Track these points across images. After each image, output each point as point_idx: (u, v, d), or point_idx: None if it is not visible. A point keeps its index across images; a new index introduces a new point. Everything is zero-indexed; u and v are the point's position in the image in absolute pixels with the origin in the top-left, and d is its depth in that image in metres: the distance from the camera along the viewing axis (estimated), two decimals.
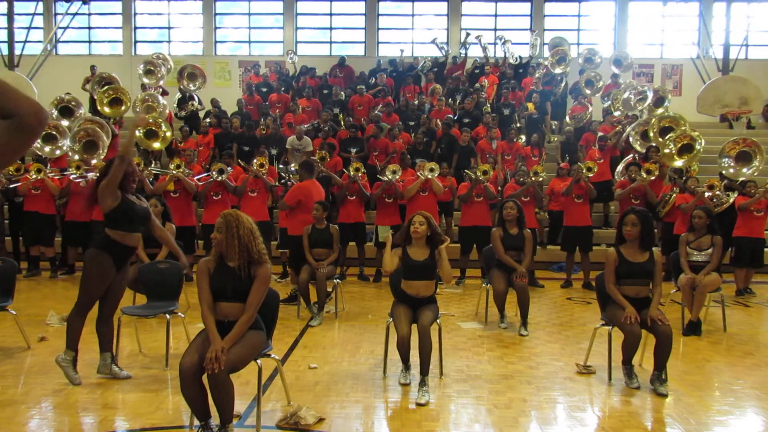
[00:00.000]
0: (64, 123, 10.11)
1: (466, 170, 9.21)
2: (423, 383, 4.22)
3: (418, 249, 4.57)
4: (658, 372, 4.38)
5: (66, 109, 10.73)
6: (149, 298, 5.24)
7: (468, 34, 15.49)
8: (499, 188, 9.48)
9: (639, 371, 4.58)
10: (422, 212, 4.67)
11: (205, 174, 9.13)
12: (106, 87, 10.76)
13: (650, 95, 10.90)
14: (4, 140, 1.42)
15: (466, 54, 15.06)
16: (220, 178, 8.65)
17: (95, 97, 11.18)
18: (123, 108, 10.59)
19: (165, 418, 3.85)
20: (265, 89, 13.79)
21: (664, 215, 8.74)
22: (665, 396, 4.24)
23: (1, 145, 1.42)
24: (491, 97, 12.99)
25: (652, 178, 8.78)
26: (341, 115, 12.41)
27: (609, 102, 11.88)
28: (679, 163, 8.92)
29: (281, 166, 8.85)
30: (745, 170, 8.63)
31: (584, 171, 8.38)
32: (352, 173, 8.69)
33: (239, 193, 8.78)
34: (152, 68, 12.27)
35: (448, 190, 8.99)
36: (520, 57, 14.76)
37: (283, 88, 13.50)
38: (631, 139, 10.28)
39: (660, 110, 10.74)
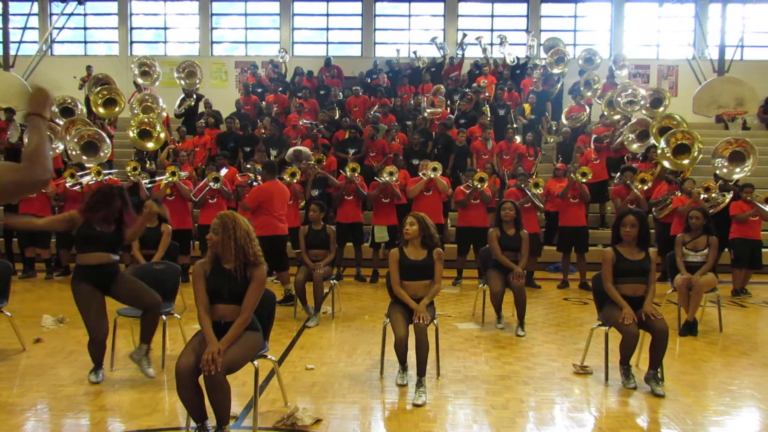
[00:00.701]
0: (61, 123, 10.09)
1: (461, 174, 9.17)
2: (420, 384, 4.22)
3: (414, 249, 4.59)
4: (653, 371, 4.37)
5: (67, 110, 10.72)
6: None
7: (465, 35, 15.49)
8: (497, 189, 9.49)
9: (636, 371, 4.59)
10: (414, 213, 4.70)
11: (201, 183, 9.08)
12: (100, 87, 10.75)
13: (642, 99, 10.92)
14: (12, 178, 1.76)
15: (463, 54, 15.05)
16: (216, 186, 8.59)
17: (90, 97, 11.17)
18: (117, 109, 10.57)
19: (161, 419, 3.84)
20: (260, 89, 13.79)
21: (662, 216, 8.74)
22: (662, 396, 4.23)
23: (9, 182, 1.75)
24: (491, 98, 13.00)
25: (646, 188, 8.78)
26: (337, 111, 12.37)
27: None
28: (685, 161, 8.89)
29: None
30: (737, 170, 8.65)
31: (579, 176, 8.37)
32: (348, 174, 8.69)
33: (239, 198, 8.76)
34: (147, 69, 12.25)
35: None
36: (517, 58, 14.77)
37: (280, 89, 13.49)
38: (626, 141, 10.28)
39: (660, 109, 10.77)
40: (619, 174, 9.47)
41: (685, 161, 8.89)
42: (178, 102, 12.75)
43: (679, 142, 8.94)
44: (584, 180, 8.42)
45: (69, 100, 10.82)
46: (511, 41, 15.31)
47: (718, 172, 8.91)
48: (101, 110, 10.48)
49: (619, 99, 11.16)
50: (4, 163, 1.77)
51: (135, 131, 9.80)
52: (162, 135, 9.92)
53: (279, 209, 7.19)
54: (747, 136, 10.59)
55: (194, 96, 12.77)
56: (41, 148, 1.83)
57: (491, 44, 15.57)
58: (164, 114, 11.21)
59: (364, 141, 10.81)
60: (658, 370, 4.40)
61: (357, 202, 8.85)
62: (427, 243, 4.57)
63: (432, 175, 8.53)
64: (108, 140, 9.60)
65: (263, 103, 13.07)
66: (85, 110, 11.35)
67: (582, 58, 13.59)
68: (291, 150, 10.19)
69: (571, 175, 8.42)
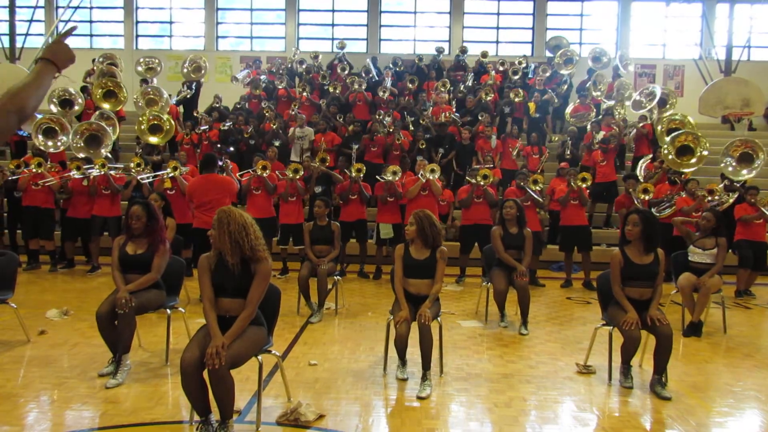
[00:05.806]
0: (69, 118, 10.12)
1: (467, 176, 9.15)
2: (425, 377, 4.25)
3: (417, 248, 4.60)
4: (658, 376, 4.33)
5: (66, 102, 10.73)
6: None
7: (466, 49, 15.23)
8: (500, 188, 9.46)
9: (639, 372, 4.57)
10: (416, 212, 4.67)
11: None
12: (99, 80, 10.77)
13: (658, 93, 10.86)
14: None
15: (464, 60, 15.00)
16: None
17: (90, 90, 11.21)
18: (116, 101, 10.58)
19: (165, 412, 3.84)
20: (271, 85, 13.80)
21: (664, 217, 8.69)
22: (668, 399, 4.19)
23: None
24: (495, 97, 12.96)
25: (647, 197, 8.71)
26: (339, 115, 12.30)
27: (613, 102, 11.84)
28: (692, 161, 8.70)
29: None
30: (744, 171, 8.61)
31: (579, 182, 8.33)
32: (354, 174, 8.66)
33: (242, 192, 8.75)
34: (150, 63, 12.28)
35: (446, 204, 8.95)
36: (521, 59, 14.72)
37: (283, 85, 13.47)
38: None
39: (669, 112, 10.71)
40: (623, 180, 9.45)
41: (692, 160, 8.78)
42: (177, 92, 12.82)
43: (683, 143, 8.88)
44: (584, 185, 8.39)
45: (72, 92, 10.83)
46: (514, 39, 15.20)
47: (725, 171, 8.85)
48: (102, 103, 10.49)
49: (640, 99, 11.10)
50: None
51: (145, 126, 9.81)
52: (169, 126, 9.92)
53: (209, 201, 7.10)
54: (753, 137, 10.56)
55: (192, 87, 12.78)
56: (27, 88, 1.65)
57: (495, 42, 15.50)
58: (168, 108, 11.21)
59: (364, 136, 10.78)
60: (663, 375, 4.36)
61: (361, 201, 8.83)
62: (429, 242, 4.57)
63: (429, 177, 8.51)
64: (110, 131, 9.58)
65: (270, 97, 13.10)
66: (83, 103, 11.35)
67: (591, 56, 13.55)
68: (294, 127, 10.33)
69: (571, 182, 8.37)
